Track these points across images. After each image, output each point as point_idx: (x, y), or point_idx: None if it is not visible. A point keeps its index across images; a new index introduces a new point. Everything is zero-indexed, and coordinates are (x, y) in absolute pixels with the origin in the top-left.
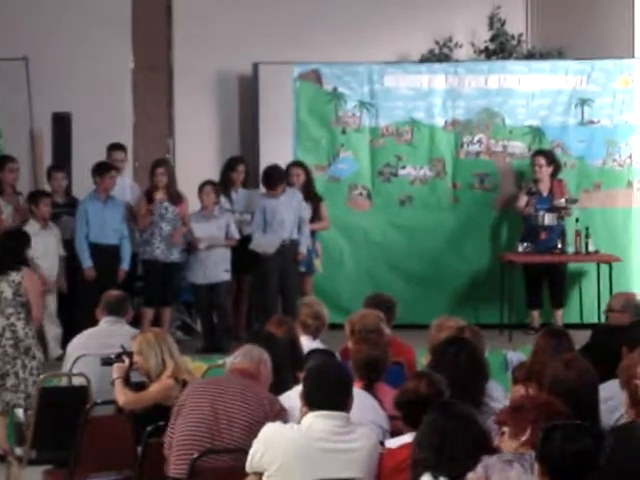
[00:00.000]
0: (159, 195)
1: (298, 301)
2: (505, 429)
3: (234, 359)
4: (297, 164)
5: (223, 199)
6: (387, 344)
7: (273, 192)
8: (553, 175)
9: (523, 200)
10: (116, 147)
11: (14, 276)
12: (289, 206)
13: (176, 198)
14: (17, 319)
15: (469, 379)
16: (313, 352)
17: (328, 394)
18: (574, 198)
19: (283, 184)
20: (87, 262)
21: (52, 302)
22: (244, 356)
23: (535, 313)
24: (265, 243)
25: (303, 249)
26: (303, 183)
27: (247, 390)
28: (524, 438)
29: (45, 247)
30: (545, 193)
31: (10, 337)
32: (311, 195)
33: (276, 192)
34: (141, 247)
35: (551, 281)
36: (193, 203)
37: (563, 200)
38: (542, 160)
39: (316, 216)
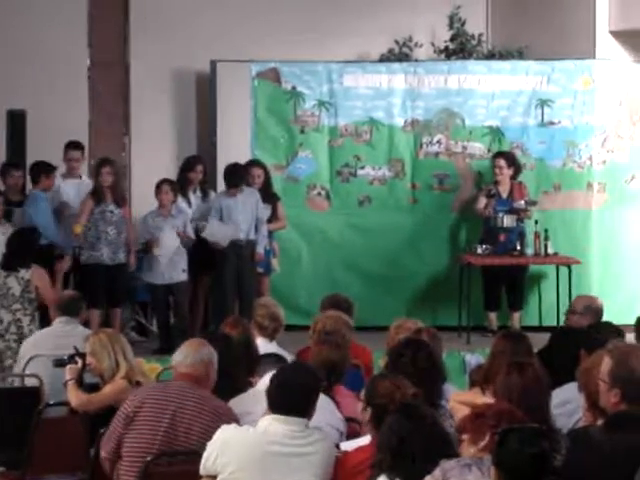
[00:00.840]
0: (106, 196)
1: (254, 302)
2: (465, 437)
3: (183, 359)
4: (257, 163)
5: (180, 199)
6: (348, 347)
7: (232, 190)
8: (513, 177)
9: (482, 202)
10: (73, 145)
11: (23, 273)
12: (246, 206)
13: (121, 200)
14: (23, 315)
15: (426, 381)
16: (265, 356)
17: (289, 399)
18: (533, 200)
19: (243, 183)
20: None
21: None
22: (193, 359)
23: (492, 315)
24: (219, 233)
25: (260, 250)
26: (262, 183)
27: (205, 402)
28: (483, 443)
29: None
30: (505, 195)
31: (15, 332)
32: (269, 195)
33: (235, 191)
34: (85, 251)
35: (509, 284)
36: (150, 202)
37: (522, 202)
38: (502, 162)
39: (274, 216)
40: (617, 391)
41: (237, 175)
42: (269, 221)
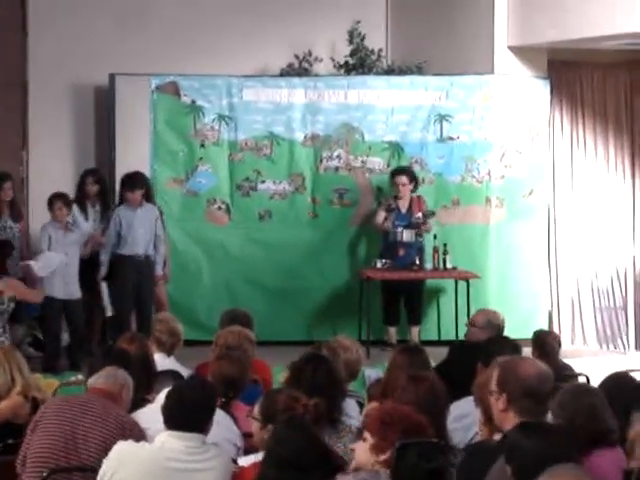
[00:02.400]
0: (4, 211)
1: (153, 317)
2: (367, 436)
3: (97, 378)
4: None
5: (77, 212)
6: (249, 362)
7: (132, 195)
8: (412, 191)
9: (381, 216)
10: None
11: None
12: (145, 221)
13: (18, 215)
14: None
15: (326, 397)
16: (162, 373)
17: (185, 415)
18: (431, 211)
19: (142, 190)
20: None
21: None
22: (107, 377)
23: (392, 329)
24: (52, 262)
25: (159, 270)
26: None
27: (108, 410)
28: (384, 457)
29: None
30: (404, 210)
31: None
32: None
33: (135, 197)
34: None
35: (408, 298)
36: (48, 217)
37: (420, 215)
38: (404, 179)
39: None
40: (503, 397)
41: (136, 179)
42: None
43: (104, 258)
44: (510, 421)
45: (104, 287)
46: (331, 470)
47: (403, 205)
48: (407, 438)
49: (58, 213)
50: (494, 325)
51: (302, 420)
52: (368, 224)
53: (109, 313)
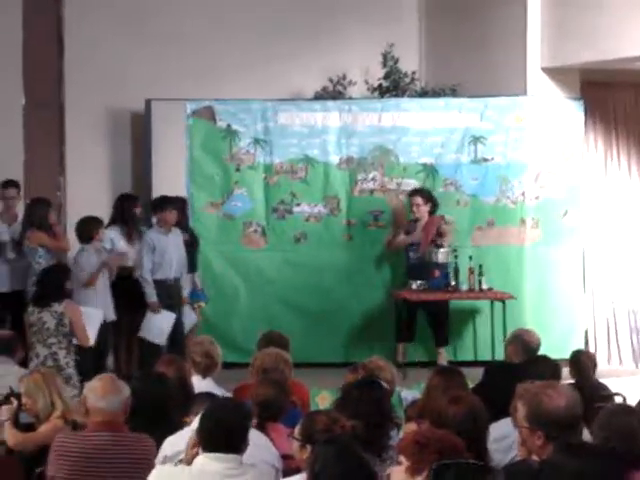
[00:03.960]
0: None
1: (187, 340)
2: (402, 459)
3: (101, 403)
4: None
5: (116, 235)
6: (286, 384)
7: (169, 215)
8: (431, 213)
9: (399, 237)
10: (9, 184)
11: (56, 307)
12: (176, 245)
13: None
14: (59, 348)
15: (373, 423)
16: (198, 396)
17: (220, 436)
18: (441, 231)
19: (173, 213)
20: None
21: None
22: (108, 402)
23: (401, 346)
24: (156, 329)
25: (185, 294)
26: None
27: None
28: (420, 479)
29: None
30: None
31: (52, 365)
32: (192, 231)
33: (172, 217)
34: None
35: (433, 319)
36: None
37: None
38: (419, 199)
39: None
40: (540, 433)
41: (167, 200)
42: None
43: (148, 278)
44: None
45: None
46: None
47: (420, 226)
48: (442, 460)
49: (100, 237)
50: (530, 345)
51: (346, 439)
52: (391, 247)
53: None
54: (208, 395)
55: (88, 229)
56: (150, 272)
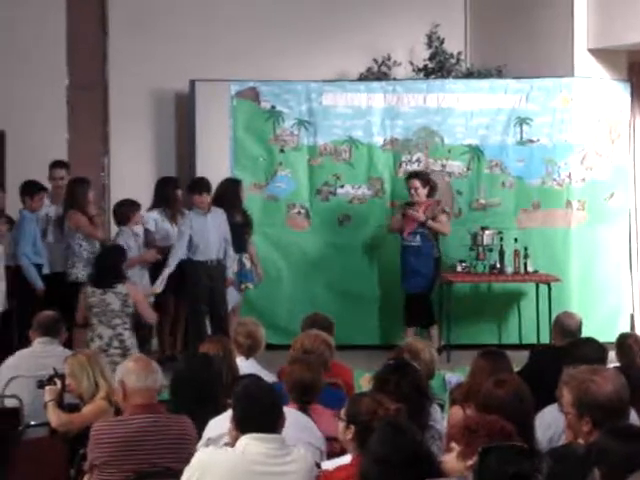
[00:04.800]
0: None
1: (230, 321)
2: (453, 445)
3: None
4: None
5: (158, 218)
6: (325, 366)
7: (199, 199)
8: (429, 196)
9: (397, 222)
10: (58, 164)
11: (120, 288)
12: (216, 225)
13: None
14: (124, 329)
15: (412, 405)
16: (242, 377)
17: (259, 417)
18: (442, 208)
19: (209, 195)
20: (39, 283)
21: None
22: (153, 381)
23: (411, 330)
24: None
25: (230, 274)
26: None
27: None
28: (471, 462)
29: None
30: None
31: (118, 346)
32: (244, 212)
33: (203, 200)
34: (80, 267)
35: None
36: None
37: (423, 216)
38: (417, 182)
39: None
40: (587, 419)
41: (202, 183)
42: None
43: (172, 262)
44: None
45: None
46: (428, 471)
47: (417, 211)
48: (492, 443)
49: (137, 219)
50: (569, 328)
51: (400, 423)
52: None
53: None
54: (251, 376)
55: (124, 212)
56: (186, 254)
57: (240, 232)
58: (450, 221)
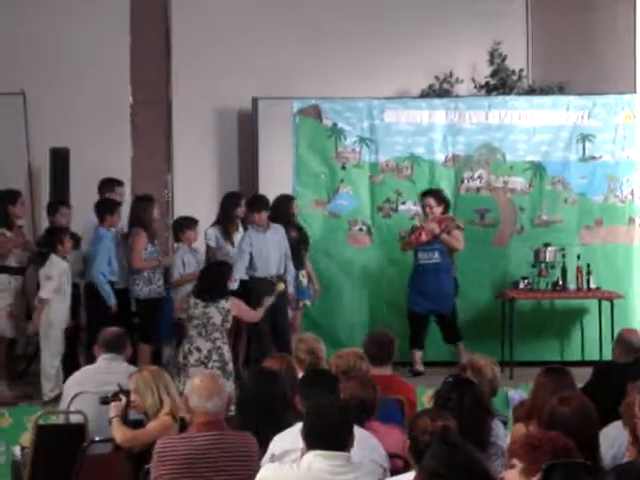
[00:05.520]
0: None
1: (294, 337)
2: (515, 462)
3: (209, 405)
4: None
5: (219, 235)
6: (371, 382)
7: (258, 216)
8: (443, 214)
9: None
10: (118, 183)
11: (223, 303)
12: (274, 242)
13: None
14: (222, 343)
15: (474, 421)
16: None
17: (327, 433)
18: (455, 224)
19: (268, 212)
20: (113, 301)
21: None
22: (214, 403)
23: (419, 353)
24: None
25: (291, 289)
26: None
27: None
28: (535, 479)
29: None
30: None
31: (217, 360)
32: (300, 228)
33: (261, 218)
34: (141, 284)
35: (440, 319)
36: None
37: (438, 229)
38: (432, 201)
39: (306, 248)
40: None
41: (261, 201)
42: (304, 254)
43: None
44: None
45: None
46: None
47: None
48: (555, 460)
49: (194, 236)
50: (633, 345)
51: (454, 436)
52: (509, 245)
53: None
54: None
55: (177, 228)
56: (245, 271)
57: (296, 248)
58: (463, 237)
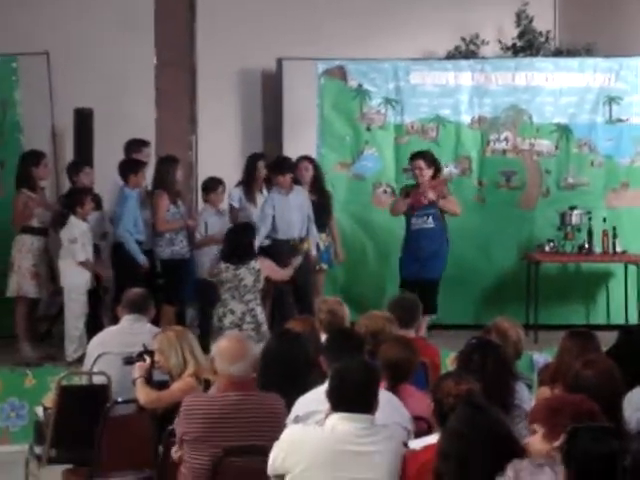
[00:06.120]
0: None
1: (316, 299)
2: (537, 427)
3: (232, 368)
4: (306, 157)
5: (243, 196)
6: (413, 345)
7: (282, 179)
8: (434, 177)
9: (403, 204)
10: (145, 143)
11: (254, 264)
12: (296, 205)
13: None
14: (256, 304)
15: (497, 383)
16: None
17: (352, 395)
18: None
19: (291, 176)
20: (142, 258)
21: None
22: (245, 366)
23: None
24: None
25: (314, 251)
26: (311, 178)
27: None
28: (558, 443)
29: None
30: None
31: (251, 321)
32: (321, 190)
33: (285, 180)
34: (163, 245)
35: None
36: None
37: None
38: (422, 163)
39: (327, 211)
40: None
41: (285, 164)
42: (323, 217)
43: (256, 242)
44: None
45: None
46: (510, 450)
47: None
48: (577, 423)
49: (219, 197)
50: None
51: (479, 399)
52: (535, 208)
53: None
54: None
55: (204, 189)
56: (267, 235)
57: (316, 211)
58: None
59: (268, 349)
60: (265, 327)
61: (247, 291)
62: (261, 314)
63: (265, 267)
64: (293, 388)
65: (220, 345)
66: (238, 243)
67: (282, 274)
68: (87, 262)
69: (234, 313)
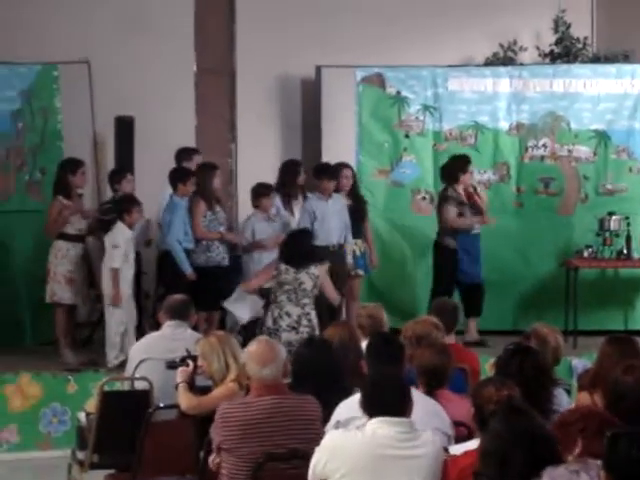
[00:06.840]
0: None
1: (354, 304)
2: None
3: (264, 372)
4: (346, 165)
5: (279, 203)
6: (448, 350)
7: (328, 184)
8: None
9: (453, 211)
10: (195, 151)
11: (314, 270)
12: (336, 211)
13: (220, 201)
14: (311, 309)
15: (535, 388)
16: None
17: (387, 400)
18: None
19: (335, 182)
20: (188, 268)
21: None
22: (274, 370)
23: (474, 322)
24: (239, 310)
25: (350, 259)
26: (350, 185)
27: (297, 426)
28: (577, 450)
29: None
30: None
31: (307, 325)
32: (356, 196)
33: (330, 186)
34: (199, 252)
35: (466, 291)
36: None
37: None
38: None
39: (362, 217)
40: None
41: (334, 169)
42: (359, 223)
43: None
44: None
45: None
46: (548, 457)
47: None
48: (590, 427)
49: (270, 203)
50: None
51: (519, 403)
52: (574, 213)
53: None
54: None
55: (254, 195)
56: None
57: (350, 217)
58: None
59: (298, 355)
60: (318, 332)
61: (305, 295)
62: (315, 319)
63: (322, 278)
64: (330, 394)
65: (250, 349)
66: (299, 247)
67: (332, 294)
68: (117, 270)
69: (290, 316)
